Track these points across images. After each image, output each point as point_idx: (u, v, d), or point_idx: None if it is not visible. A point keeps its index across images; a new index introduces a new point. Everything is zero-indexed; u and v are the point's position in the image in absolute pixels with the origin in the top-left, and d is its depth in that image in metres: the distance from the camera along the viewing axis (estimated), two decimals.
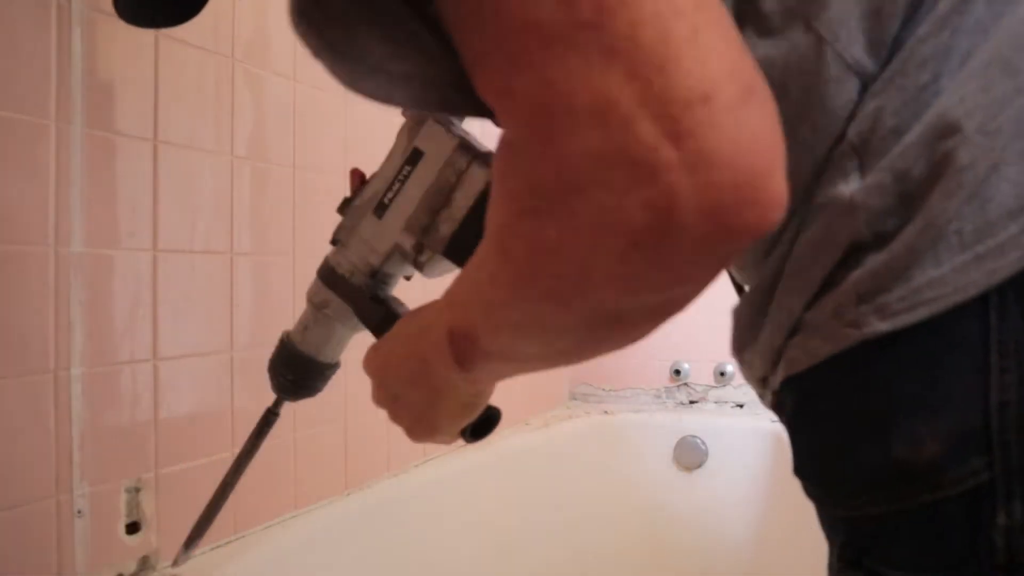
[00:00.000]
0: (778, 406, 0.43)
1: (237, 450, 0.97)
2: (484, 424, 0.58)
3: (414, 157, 0.60)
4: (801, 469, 0.42)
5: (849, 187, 0.36)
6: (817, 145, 0.37)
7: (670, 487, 1.80)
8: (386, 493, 1.21)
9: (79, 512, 0.78)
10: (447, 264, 0.58)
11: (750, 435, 1.73)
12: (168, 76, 0.88)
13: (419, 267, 0.61)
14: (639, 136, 0.25)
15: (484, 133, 0.57)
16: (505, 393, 1.79)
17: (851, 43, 0.36)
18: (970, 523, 0.34)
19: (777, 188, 0.26)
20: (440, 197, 0.58)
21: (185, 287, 0.90)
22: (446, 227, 0.57)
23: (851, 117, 0.36)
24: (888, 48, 0.36)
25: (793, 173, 0.34)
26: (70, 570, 0.77)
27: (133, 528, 0.84)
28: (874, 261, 0.35)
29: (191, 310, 0.91)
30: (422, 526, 1.26)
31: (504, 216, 0.31)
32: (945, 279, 0.34)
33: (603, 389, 2.06)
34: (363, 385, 1.18)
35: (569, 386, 2.08)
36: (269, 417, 0.72)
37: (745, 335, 0.44)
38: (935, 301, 0.34)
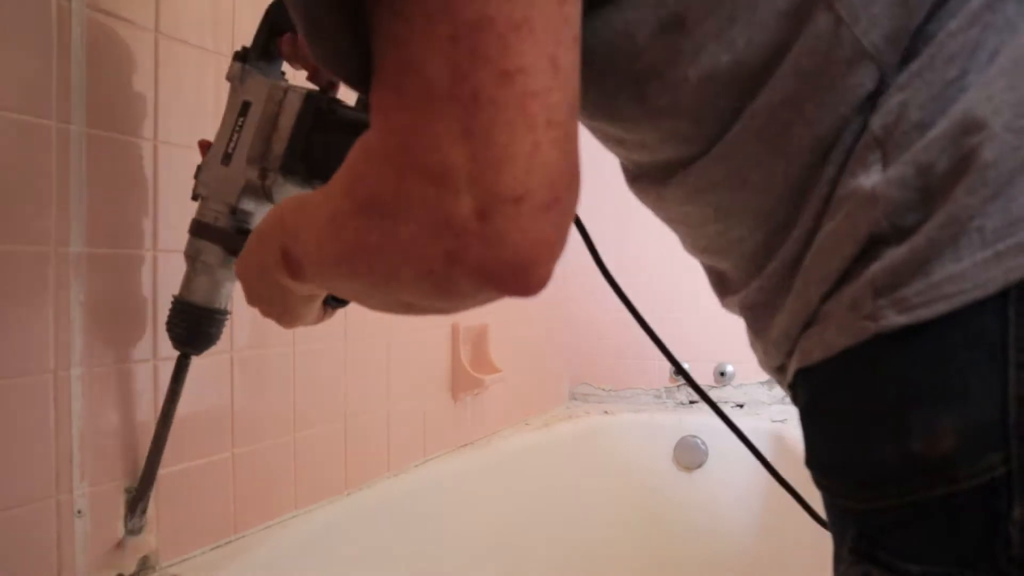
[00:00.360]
0: (793, 397, 0.45)
1: (237, 450, 0.98)
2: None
3: (244, 108, 0.73)
4: (813, 460, 0.43)
5: (870, 179, 0.37)
6: (820, 122, 0.38)
7: (670, 487, 1.80)
8: (386, 493, 1.21)
9: (79, 512, 0.78)
10: (291, 186, 0.70)
11: (750, 435, 1.73)
12: (168, 76, 0.88)
13: (268, 195, 0.72)
14: (459, 205, 0.32)
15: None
16: (506, 393, 1.79)
17: (871, 28, 0.36)
18: (985, 517, 0.34)
19: (541, 276, 0.34)
20: (268, 125, 0.71)
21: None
22: (278, 146, 0.70)
23: (873, 108, 0.37)
24: (910, 39, 0.37)
25: (794, 151, 0.39)
26: (70, 570, 0.77)
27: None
28: (893, 255, 0.36)
29: None
30: (422, 526, 1.26)
31: (344, 200, 0.37)
32: (965, 275, 0.34)
33: (603, 389, 2.06)
34: (363, 385, 1.18)
35: (569, 386, 2.08)
36: (181, 362, 0.82)
37: (760, 323, 0.46)
38: (954, 296, 0.34)
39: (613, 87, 0.42)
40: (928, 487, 0.35)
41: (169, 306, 0.80)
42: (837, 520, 0.42)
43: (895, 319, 0.35)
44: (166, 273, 0.88)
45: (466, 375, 1.45)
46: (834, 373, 0.39)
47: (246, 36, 0.98)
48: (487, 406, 1.60)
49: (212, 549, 0.93)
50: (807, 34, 0.37)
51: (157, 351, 0.87)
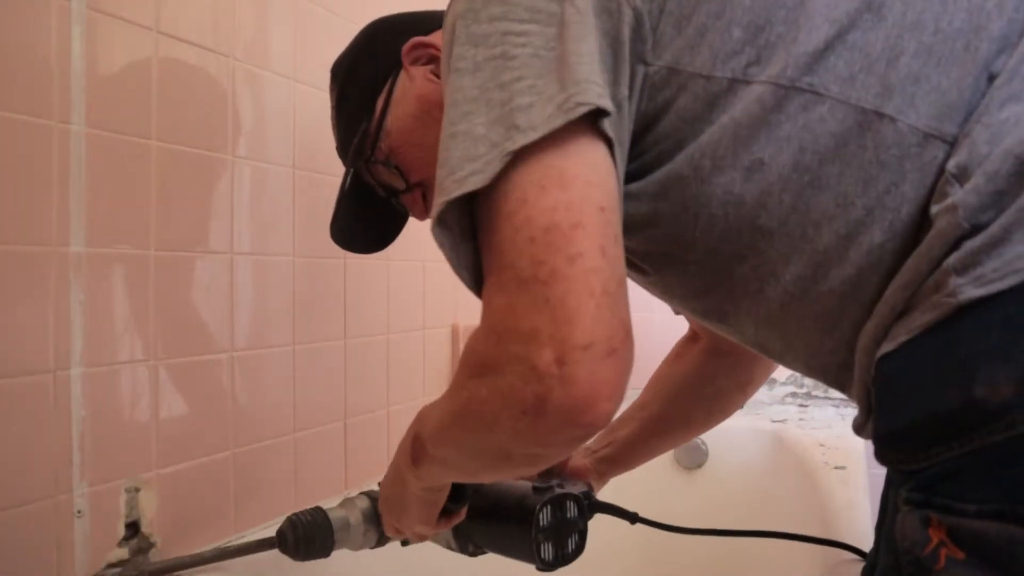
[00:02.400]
0: (871, 381, 0.49)
1: (237, 450, 0.98)
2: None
3: None
4: (883, 432, 0.48)
5: (952, 198, 0.45)
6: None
7: (670, 487, 1.80)
8: None
9: (79, 512, 0.78)
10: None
11: (750, 435, 1.73)
12: (168, 76, 0.88)
13: None
14: (543, 356, 0.42)
15: None
16: None
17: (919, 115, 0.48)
18: None
19: (605, 410, 0.43)
20: None
21: (185, 287, 0.90)
22: None
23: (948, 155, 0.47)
24: (966, 109, 0.47)
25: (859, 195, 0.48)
26: (70, 570, 0.77)
27: (133, 528, 0.84)
28: (971, 244, 0.43)
29: (191, 310, 0.91)
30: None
31: (461, 374, 0.49)
32: None
33: None
34: (363, 385, 1.19)
35: None
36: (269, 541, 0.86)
37: (826, 331, 0.52)
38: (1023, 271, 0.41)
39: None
40: (988, 434, 0.41)
41: (173, 307, 0.80)
42: (891, 486, 0.49)
43: (973, 292, 0.42)
44: (166, 273, 0.88)
45: None
46: (917, 346, 0.45)
47: (246, 36, 0.98)
48: None
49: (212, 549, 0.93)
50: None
51: (157, 351, 0.87)
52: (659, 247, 0.55)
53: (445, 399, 0.54)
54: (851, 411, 1.79)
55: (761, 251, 0.51)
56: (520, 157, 0.44)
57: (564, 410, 0.42)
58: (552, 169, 0.44)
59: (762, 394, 1.89)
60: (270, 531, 1.00)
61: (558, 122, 0.44)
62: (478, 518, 0.78)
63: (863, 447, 1.42)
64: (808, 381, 1.86)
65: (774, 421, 1.73)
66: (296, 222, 1.07)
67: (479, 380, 0.46)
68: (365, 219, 0.81)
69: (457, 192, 0.45)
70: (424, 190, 0.76)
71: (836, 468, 1.28)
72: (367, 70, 0.76)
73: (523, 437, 0.45)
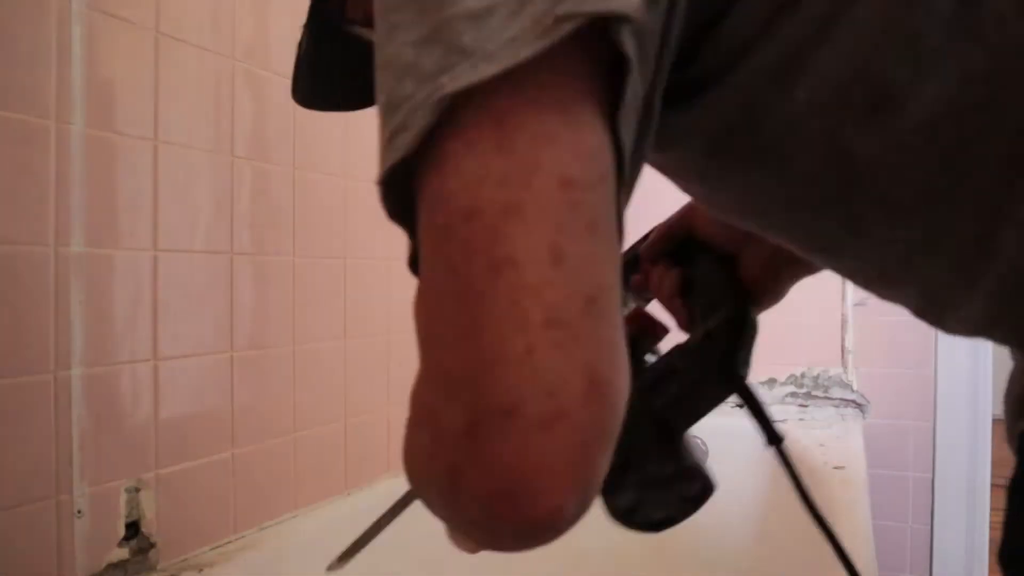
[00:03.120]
0: None
1: (237, 450, 0.97)
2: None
3: None
4: None
5: None
6: None
7: None
8: (386, 493, 1.20)
9: (79, 512, 0.78)
10: None
11: (750, 435, 1.73)
12: (168, 76, 0.88)
13: None
14: (452, 415, 0.28)
15: None
16: None
17: None
18: None
19: (548, 509, 0.27)
20: None
21: (185, 287, 0.90)
22: None
23: None
24: None
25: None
26: (70, 570, 0.77)
27: (133, 528, 0.84)
28: None
29: (191, 310, 0.91)
30: (422, 526, 1.25)
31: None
32: None
33: None
34: (363, 385, 1.19)
35: None
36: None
37: None
38: None
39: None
40: None
41: (173, 307, 0.80)
42: None
43: None
44: (166, 273, 0.88)
45: None
46: None
47: (246, 36, 0.98)
48: None
49: (212, 549, 0.93)
50: None
51: (157, 351, 0.87)
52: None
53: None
54: (851, 411, 1.79)
55: None
56: (461, 103, 0.27)
57: (482, 501, 0.28)
58: (502, 119, 0.27)
59: (762, 394, 1.89)
60: (270, 531, 1.00)
61: (526, 50, 0.26)
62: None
63: (863, 447, 1.42)
64: (808, 381, 1.86)
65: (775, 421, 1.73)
66: (296, 222, 1.07)
67: (409, 427, 0.33)
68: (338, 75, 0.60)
69: (384, 166, 0.29)
70: None
71: (836, 468, 1.28)
72: None
73: (460, 524, 0.31)
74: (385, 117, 0.30)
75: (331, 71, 0.58)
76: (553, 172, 0.27)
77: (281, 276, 1.05)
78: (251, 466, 1.00)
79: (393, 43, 0.29)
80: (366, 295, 1.21)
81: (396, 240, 1.29)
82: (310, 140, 1.09)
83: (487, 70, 0.26)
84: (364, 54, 0.46)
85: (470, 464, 0.27)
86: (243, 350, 0.98)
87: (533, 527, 0.28)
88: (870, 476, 1.30)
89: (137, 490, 0.84)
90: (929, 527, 1.74)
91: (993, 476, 1.72)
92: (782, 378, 1.87)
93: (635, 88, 0.30)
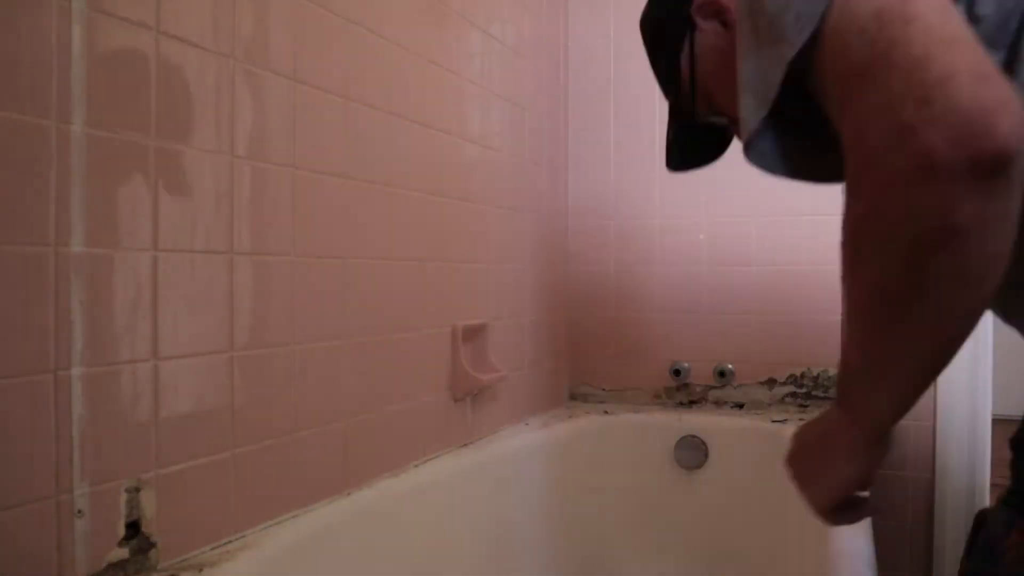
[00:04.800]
0: None
1: (237, 450, 0.98)
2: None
3: None
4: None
5: None
6: None
7: (670, 487, 1.80)
8: (386, 493, 1.21)
9: (79, 512, 0.78)
10: None
11: (750, 435, 1.73)
12: (168, 76, 0.88)
13: None
14: (904, 109, 0.42)
15: None
16: (506, 393, 1.79)
17: None
18: None
19: (1004, 125, 0.39)
20: None
21: (185, 287, 0.90)
22: None
23: None
24: None
25: None
26: (70, 570, 0.77)
27: (133, 528, 0.84)
28: None
29: (191, 310, 0.91)
30: (422, 526, 1.26)
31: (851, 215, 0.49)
32: None
33: (603, 389, 2.05)
34: (363, 385, 1.19)
35: (569, 386, 2.08)
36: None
37: None
38: None
39: None
40: None
41: (173, 307, 0.80)
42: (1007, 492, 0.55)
43: None
44: (166, 272, 0.88)
45: (466, 375, 1.45)
46: None
47: (246, 36, 0.98)
48: (487, 406, 1.60)
49: (212, 549, 0.93)
50: None
51: (157, 351, 0.87)
52: None
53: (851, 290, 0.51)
54: None
55: None
56: None
57: (953, 140, 0.40)
58: None
59: (762, 394, 1.89)
60: (271, 531, 1.00)
61: None
62: None
63: None
64: (808, 381, 1.86)
65: (774, 421, 1.73)
66: (296, 222, 1.07)
67: (856, 200, 0.46)
68: (695, 147, 0.84)
69: (800, 36, 0.49)
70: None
71: None
72: (668, 26, 0.79)
73: (928, 208, 0.41)
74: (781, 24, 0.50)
75: (687, 145, 0.83)
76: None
77: (281, 276, 1.05)
78: (251, 466, 1.00)
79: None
80: (366, 295, 1.21)
81: (396, 240, 1.29)
82: (310, 140, 1.09)
83: None
84: (710, 132, 0.80)
85: (931, 124, 0.41)
86: (243, 350, 0.98)
87: (1003, 145, 0.40)
88: None
89: (137, 490, 0.84)
90: (929, 527, 1.74)
91: (993, 476, 1.72)
92: (782, 378, 1.87)
93: None
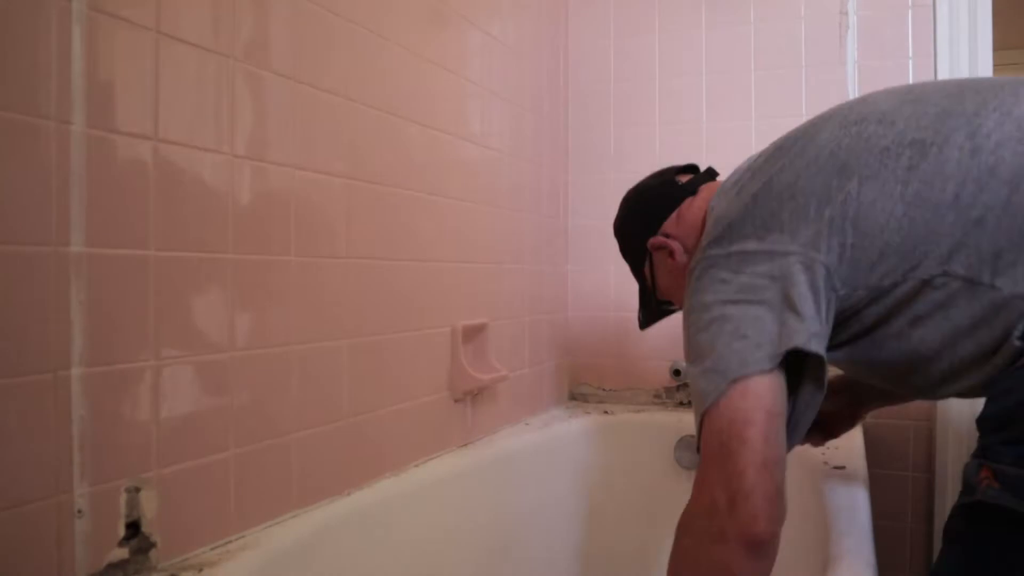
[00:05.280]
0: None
1: (237, 450, 0.98)
2: None
3: None
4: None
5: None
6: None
7: (670, 487, 1.80)
8: (386, 493, 1.21)
9: (79, 512, 0.78)
10: None
11: None
12: (168, 76, 0.88)
13: None
14: (721, 499, 0.76)
15: None
16: (506, 393, 1.80)
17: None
18: None
19: (766, 528, 0.75)
20: None
21: (185, 287, 0.90)
22: None
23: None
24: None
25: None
26: (70, 570, 0.77)
27: (133, 528, 0.84)
28: None
29: (191, 310, 0.91)
30: (422, 526, 1.26)
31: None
32: None
33: (603, 389, 2.05)
34: (363, 385, 1.19)
35: (569, 386, 2.08)
36: None
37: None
38: None
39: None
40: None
41: (173, 307, 0.80)
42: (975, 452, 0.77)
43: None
44: (166, 273, 0.88)
45: (466, 375, 1.45)
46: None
47: (246, 36, 0.98)
48: (487, 406, 1.60)
49: (212, 549, 0.93)
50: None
51: (158, 351, 0.87)
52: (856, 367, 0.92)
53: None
54: None
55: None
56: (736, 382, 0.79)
57: (737, 529, 0.75)
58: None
59: None
60: (271, 531, 1.00)
61: (766, 364, 0.79)
62: None
63: (863, 447, 1.42)
64: None
65: None
66: (295, 223, 1.07)
67: (683, 534, 0.83)
68: (657, 314, 1.21)
69: (705, 406, 0.81)
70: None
71: (836, 468, 1.28)
72: (632, 246, 1.16)
73: (720, 559, 0.76)
74: (699, 390, 0.82)
75: (652, 314, 1.21)
76: (763, 408, 0.78)
77: (281, 276, 1.05)
78: (251, 466, 1.00)
79: (695, 368, 0.84)
80: (366, 295, 1.21)
81: (396, 241, 1.29)
82: (310, 140, 1.09)
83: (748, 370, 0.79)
84: (662, 307, 1.18)
85: (737, 514, 0.75)
86: (243, 350, 0.98)
87: (758, 538, 0.74)
88: (870, 476, 1.30)
89: (137, 490, 0.84)
90: (929, 527, 1.74)
91: None
92: None
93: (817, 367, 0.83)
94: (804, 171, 0.85)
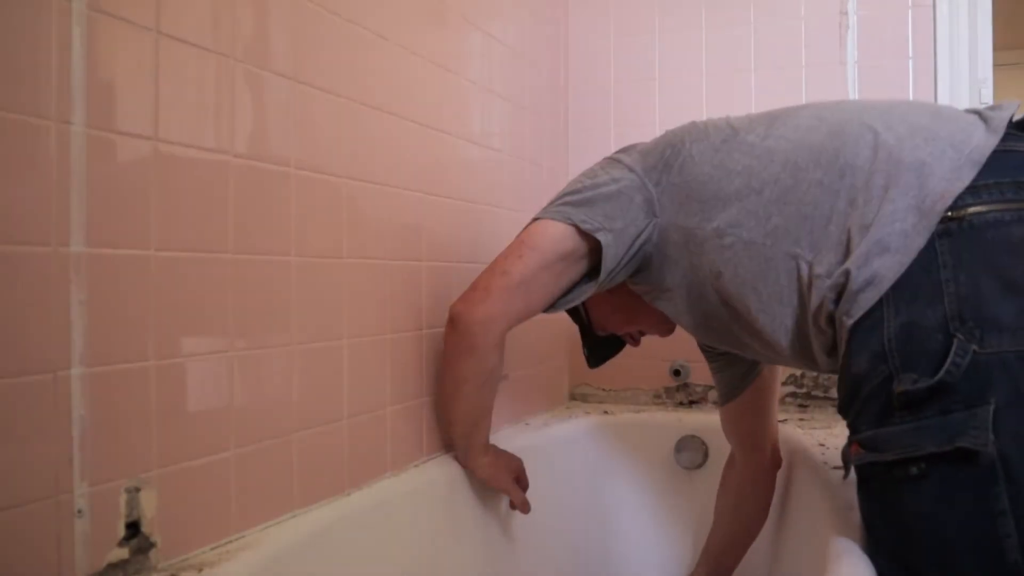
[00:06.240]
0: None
1: (237, 450, 0.98)
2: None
3: None
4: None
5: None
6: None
7: (670, 487, 1.80)
8: (386, 493, 1.21)
9: (79, 512, 0.78)
10: None
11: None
12: (168, 76, 0.88)
13: None
14: (465, 295, 1.21)
15: None
16: (506, 393, 1.80)
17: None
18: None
19: (477, 316, 1.18)
20: None
21: (185, 287, 0.90)
22: None
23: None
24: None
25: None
26: (70, 570, 0.77)
27: (133, 528, 0.84)
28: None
29: (191, 310, 0.91)
30: (422, 526, 1.26)
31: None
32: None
33: (603, 389, 2.06)
34: (363, 385, 1.19)
35: (569, 386, 2.08)
36: None
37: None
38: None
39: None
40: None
41: (173, 307, 0.79)
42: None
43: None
44: (166, 273, 0.88)
45: None
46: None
47: (246, 36, 0.99)
48: None
49: (212, 549, 0.93)
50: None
51: (158, 351, 0.87)
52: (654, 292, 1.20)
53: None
54: None
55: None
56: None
57: (457, 314, 1.18)
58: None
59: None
60: (271, 531, 1.00)
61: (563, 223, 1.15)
62: None
63: None
64: (808, 381, 1.87)
65: None
66: (296, 222, 1.07)
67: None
68: (603, 349, 1.45)
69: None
70: (630, 332, 1.41)
71: (836, 468, 1.28)
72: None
73: (454, 352, 1.21)
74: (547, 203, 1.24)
75: (598, 349, 1.45)
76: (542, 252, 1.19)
77: (281, 276, 1.05)
78: (251, 466, 1.00)
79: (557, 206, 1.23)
80: (366, 295, 1.21)
81: (396, 241, 1.29)
82: (310, 140, 1.09)
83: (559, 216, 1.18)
84: (607, 342, 1.46)
85: (466, 300, 1.20)
86: (243, 350, 0.98)
87: (460, 325, 1.19)
88: None
89: (137, 490, 0.84)
90: None
91: None
92: (782, 378, 1.87)
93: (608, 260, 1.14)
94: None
